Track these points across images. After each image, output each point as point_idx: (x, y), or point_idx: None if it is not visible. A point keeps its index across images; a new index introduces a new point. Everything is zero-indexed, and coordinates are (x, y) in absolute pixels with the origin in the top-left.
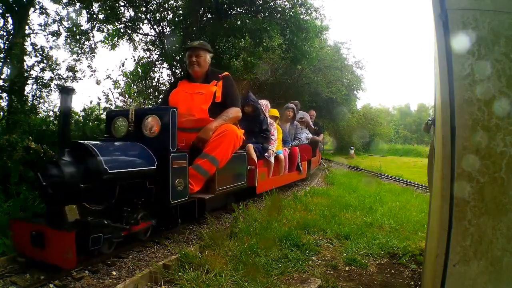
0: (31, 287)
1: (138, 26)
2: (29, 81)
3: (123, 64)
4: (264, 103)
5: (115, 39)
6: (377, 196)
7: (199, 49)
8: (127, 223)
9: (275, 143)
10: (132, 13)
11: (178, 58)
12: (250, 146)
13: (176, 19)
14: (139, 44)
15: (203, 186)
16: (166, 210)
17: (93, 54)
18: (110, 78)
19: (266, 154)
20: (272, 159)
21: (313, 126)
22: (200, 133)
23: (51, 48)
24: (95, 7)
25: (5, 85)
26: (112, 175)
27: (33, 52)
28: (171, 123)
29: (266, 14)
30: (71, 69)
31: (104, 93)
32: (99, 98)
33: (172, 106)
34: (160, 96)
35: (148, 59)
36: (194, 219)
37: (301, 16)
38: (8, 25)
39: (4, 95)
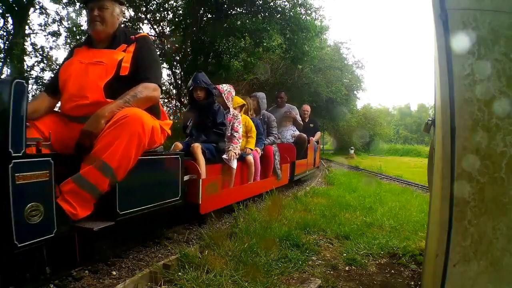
0: (30, 287)
1: (138, 26)
2: (29, 81)
3: None
4: (226, 88)
5: None
6: (377, 196)
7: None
8: None
9: (239, 142)
10: (132, 13)
11: (178, 58)
12: (196, 147)
13: (176, 19)
14: None
15: (94, 208)
16: (8, 259)
17: None
18: None
19: (224, 156)
20: (234, 164)
21: (300, 121)
22: (86, 124)
23: (51, 48)
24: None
25: None
26: None
27: (33, 52)
28: (13, 106)
29: (266, 14)
30: None
31: None
32: None
33: (17, 77)
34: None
35: None
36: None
37: (301, 16)
38: (8, 25)
39: None
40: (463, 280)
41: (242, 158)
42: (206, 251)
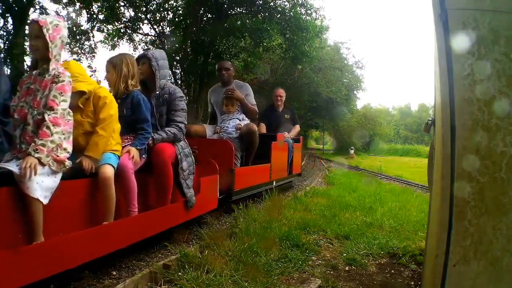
0: (30, 287)
1: (138, 26)
2: None
3: None
4: (50, 21)
5: (115, 39)
6: (377, 196)
7: None
8: None
9: (59, 135)
10: (132, 13)
11: (178, 58)
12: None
13: (176, 19)
14: (139, 44)
15: None
16: None
17: (93, 54)
18: None
19: (12, 169)
20: (33, 188)
21: (253, 105)
22: None
23: None
24: (95, 7)
25: None
26: None
27: None
28: None
29: (266, 14)
30: None
31: None
32: None
33: None
34: None
35: None
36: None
37: (301, 16)
38: (8, 25)
39: None
40: (463, 280)
41: (78, 172)
42: (206, 251)
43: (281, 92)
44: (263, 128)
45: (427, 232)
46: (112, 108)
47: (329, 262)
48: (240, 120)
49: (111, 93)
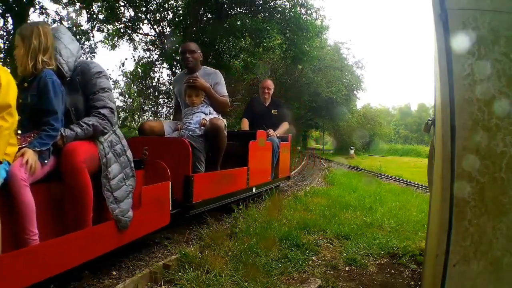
0: (30, 287)
1: (138, 26)
2: None
3: (123, 64)
4: None
5: (115, 39)
6: (377, 196)
7: None
8: None
9: None
10: (132, 13)
11: (178, 58)
12: None
13: (176, 19)
14: (139, 44)
15: None
16: None
17: (93, 54)
18: (110, 78)
19: None
20: None
21: (224, 97)
22: None
23: None
24: (95, 7)
25: None
26: None
27: None
28: None
29: (266, 14)
30: None
31: None
32: None
33: None
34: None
35: (148, 59)
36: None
37: (301, 16)
38: (8, 25)
39: None
40: (463, 280)
41: None
42: (206, 251)
43: (269, 83)
44: (246, 125)
45: (427, 232)
46: (6, 94)
47: (329, 262)
48: (206, 115)
49: (20, 74)
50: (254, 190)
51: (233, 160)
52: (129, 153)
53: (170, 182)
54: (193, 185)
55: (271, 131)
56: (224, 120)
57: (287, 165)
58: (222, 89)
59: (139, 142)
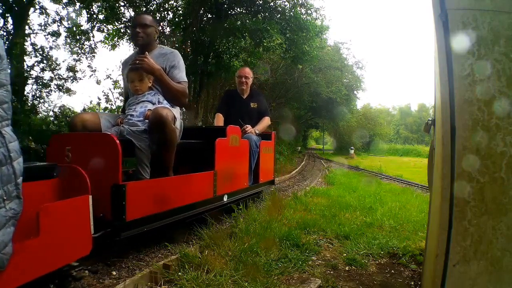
0: (30, 286)
1: None
2: (29, 81)
3: None
4: None
5: (115, 39)
6: (377, 196)
7: None
8: None
9: None
10: (132, 13)
11: None
12: None
13: (176, 19)
14: None
15: None
16: None
17: (93, 54)
18: (110, 78)
19: None
20: None
21: (181, 81)
22: None
23: (51, 48)
24: (95, 7)
25: None
26: None
27: (33, 52)
28: None
29: (266, 14)
30: (71, 69)
31: (104, 93)
32: (99, 98)
33: None
34: None
35: None
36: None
37: (302, 16)
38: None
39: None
40: (463, 280)
41: None
42: (206, 251)
43: (247, 71)
44: (220, 122)
45: (427, 232)
46: None
47: (329, 262)
48: (154, 105)
49: None
50: (225, 199)
51: (197, 163)
52: (17, 162)
53: (90, 196)
54: (126, 198)
55: (248, 127)
56: (176, 111)
57: (270, 167)
58: (180, 74)
59: (62, 140)
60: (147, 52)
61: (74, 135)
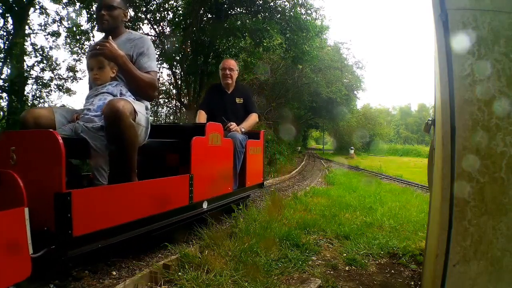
0: (30, 286)
1: (138, 26)
2: (29, 81)
3: None
4: None
5: None
6: (377, 196)
7: None
8: None
9: None
10: (132, 13)
11: (178, 58)
12: None
13: (176, 19)
14: None
15: None
16: None
17: None
18: None
19: None
20: None
21: (152, 68)
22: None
23: (51, 48)
24: (95, 7)
25: (5, 85)
26: None
27: (33, 52)
28: None
29: (266, 14)
30: (71, 69)
31: None
32: None
33: None
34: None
35: None
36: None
37: (302, 16)
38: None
39: (4, 95)
40: (463, 280)
41: None
42: (206, 251)
43: (231, 63)
44: (202, 119)
45: (427, 232)
46: None
47: (329, 262)
48: (114, 97)
49: None
50: (205, 206)
51: (172, 166)
52: None
53: (25, 208)
54: (71, 208)
55: (233, 125)
56: (140, 105)
57: (259, 169)
58: (148, 63)
59: (6, 139)
60: (110, 37)
61: (18, 133)
